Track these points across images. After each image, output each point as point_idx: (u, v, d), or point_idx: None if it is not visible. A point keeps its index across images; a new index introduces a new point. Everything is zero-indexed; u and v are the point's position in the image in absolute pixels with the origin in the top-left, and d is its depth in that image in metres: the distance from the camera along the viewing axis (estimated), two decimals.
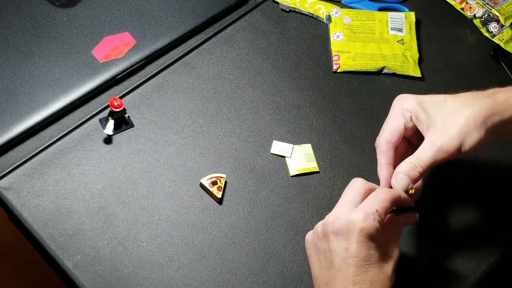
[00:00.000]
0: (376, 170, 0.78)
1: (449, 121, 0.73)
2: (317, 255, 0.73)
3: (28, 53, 0.88)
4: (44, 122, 0.85)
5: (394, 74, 0.97)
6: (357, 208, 0.71)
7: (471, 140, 0.73)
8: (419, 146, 0.75)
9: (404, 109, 0.76)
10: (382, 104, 0.95)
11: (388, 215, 0.73)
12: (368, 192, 0.73)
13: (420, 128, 0.76)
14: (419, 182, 0.78)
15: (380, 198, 0.71)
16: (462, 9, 1.05)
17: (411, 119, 0.76)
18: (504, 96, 0.74)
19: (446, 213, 0.87)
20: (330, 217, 0.71)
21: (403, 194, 0.74)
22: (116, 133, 0.86)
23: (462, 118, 0.73)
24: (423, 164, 0.73)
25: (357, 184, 0.74)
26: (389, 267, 0.72)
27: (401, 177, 0.74)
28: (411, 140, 0.80)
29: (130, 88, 0.89)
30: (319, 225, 0.73)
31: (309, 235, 0.74)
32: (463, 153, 0.73)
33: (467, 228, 0.87)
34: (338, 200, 0.85)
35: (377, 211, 0.70)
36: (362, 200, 0.72)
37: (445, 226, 0.86)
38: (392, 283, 0.71)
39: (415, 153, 0.74)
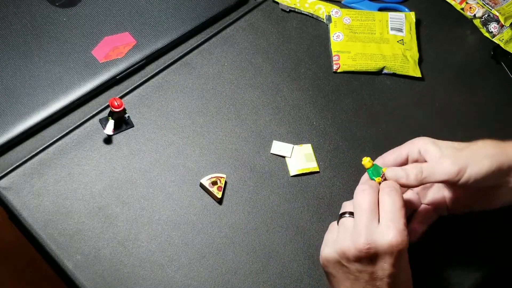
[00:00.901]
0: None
1: (461, 148, 0.74)
2: (345, 275, 0.71)
3: (28, 53, 0.88)
4: (44, 122, 0.85)
5: (394, 74, 0.97)
6: (387, 226, 0.69)
7: (477, 169, 0.72)
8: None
9: (413, 144, 0.77)
10: (382, 104, 0.95)
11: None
12: (377, 192, 0.72)
13: (427, 158, 0.75)
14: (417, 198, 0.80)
15: (399, 207, 0.70)
16: (462, 9, 1.05)
17: (419, 152, 0.76)
18: None
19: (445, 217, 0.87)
20: (361, 240, 0.69)
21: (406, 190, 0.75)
22: (116, 133, 0.86)
23: (475, 148, 0.73)
24: (425, 173, 0.73)
25: (368, 199, 0.71)
26: (409, 265, 0.72)
27: (400, 169, 0.74)
28: None
29: (130, 88, 0.89)
30: (344, 246, 0.70)
31: (329, 254, 0.72)
32: (465, 183, 0.73)
33: (467, 227, 0.87)
34: (338, 200, 0.85)
35: (404, 224, 0.70)
36: (377, 205, 0.71)
37: (445, 226, 0.86)
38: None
39: (424, 163, 0.74)
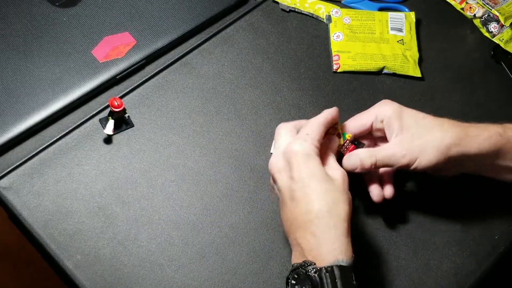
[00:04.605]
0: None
1: (418, 135, 0.77)
2: (279, 198, 0.74)
3: (28, 53, 0.88)
4: (44, 122, 0.85)
5: (394, 74, 0.97)
6: (295, 138, 0.75)
7: (426, 160, 0.76)
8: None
9: (379, 112, 0.80)
10: None
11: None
12: (298, 129, 0.77)
13: (387, 133, 0.79)
14: (390, 188, 0.81)
15: (309, 124, 0.76)
16: (462, 9, 1.05)
17: (381, 122, 0.79)
18: (476, 132, 0.78)
19: (446, 212, 0.87)
20: (273, 157, 0.75)
21: (330, 115, 0.78)
22: (116, 133, 0.86)
23: (429, 138, 0.76)
24: (378, 160, 0.77)
25: (283, 127, 0.77)
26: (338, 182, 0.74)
27: (355, 158, 0.77)
28: (377, 142, 0.84)
29: (130, 88, 0.89)
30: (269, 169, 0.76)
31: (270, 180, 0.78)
32: (415, 169, 0.77)
33: (467, 227, 0.87)
34: None
35: (307, 134, 0.74)
36: (294, 134, 0.76)
37: (445, 226, 0.86)
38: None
39: (378, 148, 0.78)
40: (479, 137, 0.77)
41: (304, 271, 0.68)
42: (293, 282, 0.68)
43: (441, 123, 0.78)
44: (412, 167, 0.77)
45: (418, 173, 0.80)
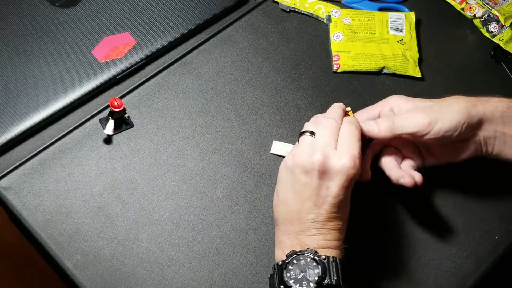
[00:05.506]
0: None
1: (434, 106, 0.78)
2: (292, 185, 0.74)
3: (28, 53, 0.88)
4: (44, 122, 0.85)
5: (394, 74, 0.97)
6: (343, 150, 0.73)
7: (448, 120, 0.76)
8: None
9: (386, 102, 0.82)
10: None
11: None
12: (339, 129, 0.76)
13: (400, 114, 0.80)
14: (417, 174, 0.80)
15: (356, 138, 0.75)
16: (462, 9, 1.05)
17: (391, 110, 0.80)
18: (486, 98, 0.81)
19: (446, 212, 0.87)
20: (317, 154, 0.73)
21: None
22: (116, 133, 0.86)
23: (445, 104, 0.78)
24: (396, 122, 0.77)
25: (331, 125, 0.76)
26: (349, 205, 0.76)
27: (370, 122, 0.78)
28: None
29: (130, 88, 0.89)
30: (301, 157, 0.73)
31: (289, 161, 0.75)
32: (437, 135, 0.77)
33: (467, 227, 0.87)
34: None
35: (359, 153, 0.74)
36: (337, 138, 0.75)
37: (445, 226, 0.86)
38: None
39: (396, 116, 0.79)
40: (491, 100, 0.80)
41: (311, 257, 0.70)
42: (290, 267, 0.71)
43: (450, 97, 0.80)
44: (434, 130, 0.76)
45: (432, 166, 0.82)
